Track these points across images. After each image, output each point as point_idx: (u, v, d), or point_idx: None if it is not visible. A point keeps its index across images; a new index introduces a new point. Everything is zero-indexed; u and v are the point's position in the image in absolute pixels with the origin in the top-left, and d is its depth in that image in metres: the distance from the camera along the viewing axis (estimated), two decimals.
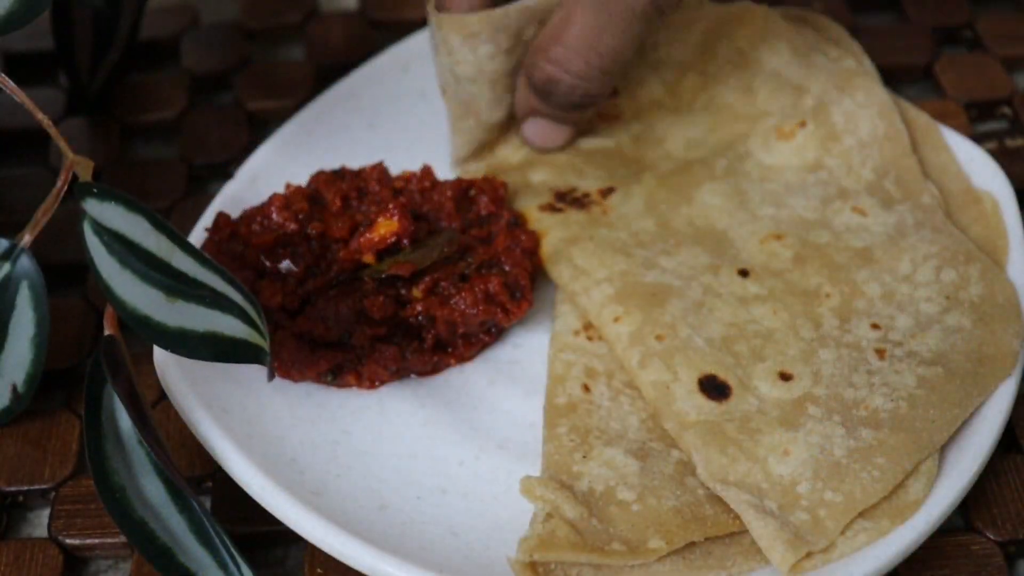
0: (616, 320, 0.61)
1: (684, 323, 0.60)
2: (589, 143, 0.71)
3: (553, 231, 0.65)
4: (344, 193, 0.65)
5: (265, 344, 0.53)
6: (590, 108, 0.68)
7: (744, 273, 0.63)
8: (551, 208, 0.67)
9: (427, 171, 0.67)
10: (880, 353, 0.59)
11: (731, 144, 0.70)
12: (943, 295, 0.61)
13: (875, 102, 0.70)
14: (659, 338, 0.59)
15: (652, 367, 0.58)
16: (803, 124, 0.69)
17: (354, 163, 0.69)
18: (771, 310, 0.61)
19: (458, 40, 0.66)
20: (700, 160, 0.69)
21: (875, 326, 0.60)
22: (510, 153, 0.71)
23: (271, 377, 0.54)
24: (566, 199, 0.67)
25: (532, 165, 0.70)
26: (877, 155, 0.68)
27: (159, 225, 0.54)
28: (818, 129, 0.69)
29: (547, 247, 0.65)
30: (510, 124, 0.71)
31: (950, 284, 0.61)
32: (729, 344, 0.59)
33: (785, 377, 0.58)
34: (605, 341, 0.61)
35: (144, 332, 0.53)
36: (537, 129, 0.69)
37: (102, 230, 0.54)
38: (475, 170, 0.70)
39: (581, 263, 0.63)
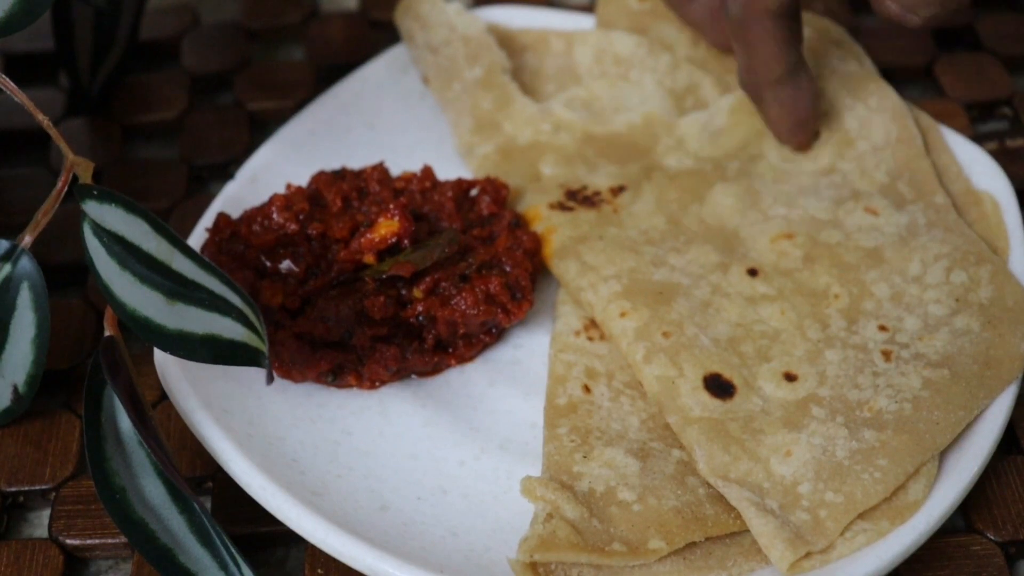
0: (623, 315, 0.61)
1: (691, 322, 0.60)
2: (600, 128, 0.71)
3: (562, 228, 0.65)
4: (345, 193, 0.65)
5: (263, 347, 0.53)
6: None
7: (753, 272, 0.63)
8: (561, 206, 0.67)
9: (427, 171, 0.67)
10: (886, 355, 0.59)
11: (744, 145, 0.70)
12: (952, 297, 0.61)
13: (888, 106, 0.70)
14: (665, 335, 0.59)
15: (657, 362, 0.59)
16: (816, 132, 0.69)
17: (354, 163, 0.69)
18: (779, 310, 0.61)
19: (427, 6, 0.75)
20: (712, 159, 0.69)
21: (882, 328, 0.60)
22: (516, 131, 0.71)
23: (270, 380, 0.54)
24: (576, 197, 0.67)
25: (542, 152, 0.70)
26: (891, 158, 0.68)
27: (159, 227, 0.54)
28: (832, 135, 0.69)
29: (555, 243, 0.65)
30: (494, 84, 0.71)
31: (960, 286, 0.61)
32: (735, 344, 0.60)
33: (790, 378, 0.58)
34: (609, 337, 0.61)
35: (144, 334, 0.53)
36: None
37: (102, 232, 0.54)
38: (484, 152, 0.70)
39: (589, 260, 0.63)
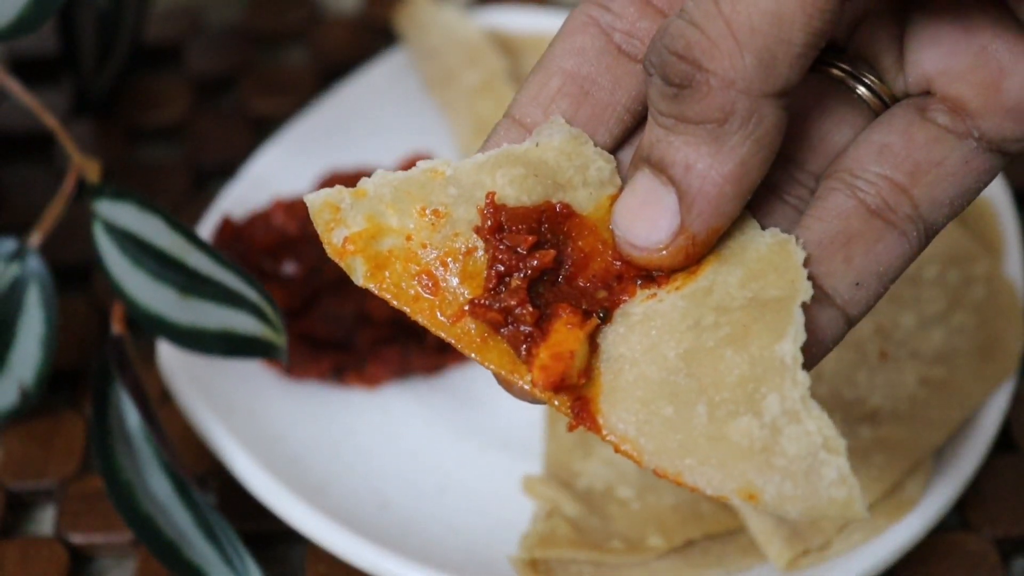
0: None
1: None
2: None
3: None
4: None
5: (279, 340, 0.53)
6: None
7: None
8: None
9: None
10: (883, 353, 0.59)
11: None
12: (947, 296, 0.61)
13: None
14: None
15: None
16: None
17: (355, 165, 0.69)
18: None
19: (424, 12, 0.75)
20: None
21: (879, 326, 0.60)
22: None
23: (288, 371, 0.54)
24: None
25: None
26: None
27: (174, 224, 0.54)
28: None
29: None
30: (492, 88, 0.72)
31: (954, 285, 0.61)
32: None
33: None
34: None
35: (157, 330, 0.54)
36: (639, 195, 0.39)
37: (114, 230, 0.54)
38: None
39: None
